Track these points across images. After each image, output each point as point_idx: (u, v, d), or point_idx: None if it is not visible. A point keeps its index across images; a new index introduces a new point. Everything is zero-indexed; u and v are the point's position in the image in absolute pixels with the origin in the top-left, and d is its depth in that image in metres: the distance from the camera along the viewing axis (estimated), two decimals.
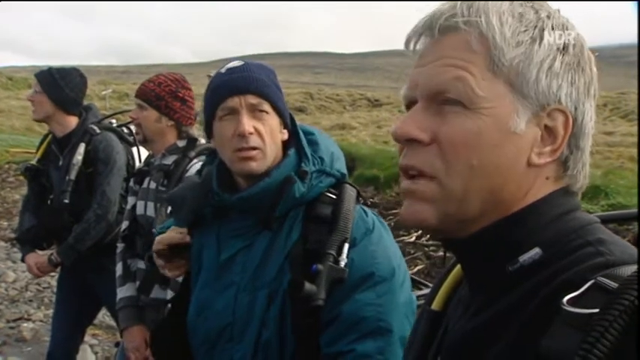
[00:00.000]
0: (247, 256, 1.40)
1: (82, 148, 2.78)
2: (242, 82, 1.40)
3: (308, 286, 1.23)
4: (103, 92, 24.36)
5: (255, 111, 1.40)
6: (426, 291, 1.86)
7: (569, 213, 0.67)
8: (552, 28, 0.66)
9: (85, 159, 2.79)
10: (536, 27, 0.66)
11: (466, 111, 0.65)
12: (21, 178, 10.19)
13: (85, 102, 2.99)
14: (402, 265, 1.40)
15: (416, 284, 1.79)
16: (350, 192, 1.41)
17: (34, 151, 3.17)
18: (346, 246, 1.32)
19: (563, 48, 0.66)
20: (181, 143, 2.34)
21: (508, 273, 0.65)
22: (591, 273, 0.56)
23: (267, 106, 1.41)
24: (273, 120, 1.42)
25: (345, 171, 1.48)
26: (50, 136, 2.97)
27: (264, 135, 1.39)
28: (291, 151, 1.43)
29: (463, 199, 0.65)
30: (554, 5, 0.70)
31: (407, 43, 0.71)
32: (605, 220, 0.78)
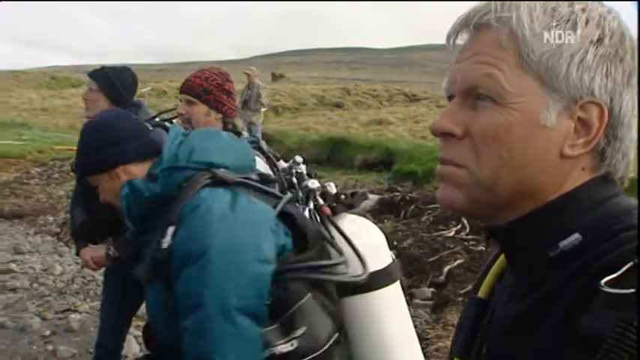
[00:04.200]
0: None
1: None
2: None
3: (137, 270, 1.44)
4: (142, 90, 24.77)
5: None
6: None
7: (609, 199, 0.68)
8: (586, 21, 0.66)
9: None
10: (568, 21, 0.66)
11: (496, 106, 0.67)
12: (66, 174, 10.51)
13: None
14: (234, 239, 1.37)
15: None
16: (199, 178, 1.46)
17: None
18: (170, 228, 1.39)
19: (598, 40, 0.66)
20: None
21: (549, 259, 0.67)
22: (630, 255, 0.57)
23: None
24: None
25: (210, 160, 1.52)
26: None
27: None
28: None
29: (492, 187, 0.68)
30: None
31: (448, 40, 0.74)
32: None
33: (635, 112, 0.68)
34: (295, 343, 1.35)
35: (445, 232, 5.99)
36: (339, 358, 1.45)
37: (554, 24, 0.66)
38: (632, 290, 0.53)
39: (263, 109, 11.98)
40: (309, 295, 1.39)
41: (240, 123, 2.46)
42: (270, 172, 2.21)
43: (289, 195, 1.56)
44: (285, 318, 1.36)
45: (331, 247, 1.53)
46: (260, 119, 11.86)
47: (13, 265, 5.91)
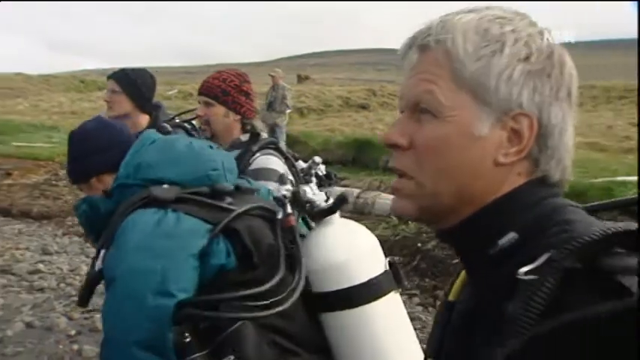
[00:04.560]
0: None
1: None
2: None
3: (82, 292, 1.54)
4: (169, 92, 25.07)
5: None
6: None
7: (545, 199, 0.74)
8: (515, 41, 0.73)
9: None
10: (498, 41, 0.73)
11: (435, 119, 0.74)
12: None
13: None
14: (138, 269, 1.32)
15: None
16: (135, 198, 1.45)
17: None
18: (102, 251, 1.44)
19: (525, 58, 0.72)
20: (244, 137, 2.37)
21: (489, 257, 0.73)
22: (549, 248, 0.63)
23: None
24: None
25: (155, 176, 1.49)
26: None
27: None
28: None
29: (435, 195, 0.75)
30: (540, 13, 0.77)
31: (401, 59, 0.81)
32: (606, 208, 0.83)
33: (566, 125, 0.74)
34: None
35: None
36: None
37: (484, 44, 0.73)
38: (536, 277, 0.61)
39: (288, 111, 12.00)
40: (244, 321, 1.31)
41: (259, 124, 2.46)
42: (289, 173, 2.22)
43: (239, 210, 1.45)
44: (215, 344, 1.29)
45: (288, 261, 1.43)
46: (285, 121, 11.89)
47: (41, 266, 6.00)
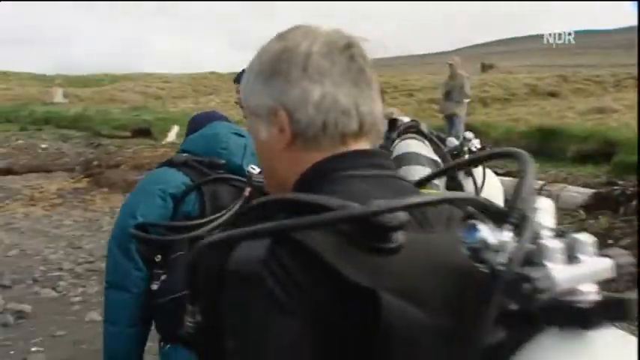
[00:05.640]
0: None
1: None
2: None
3: None
4: None
5: None
6: None
7: (335, 171, 0.87)
8: (256, 60, 0.93)
9: None
10: (250, 69, 0.94)
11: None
12: None
13: None
14: (128, 199, 2.02)
15: None
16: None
17: None
18: None
19: (258, 71, 0.92)
20: (384, 127, 2.36)
21: None
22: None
23: None
24: None
25: (185, 147, 2.18)
26: None
27: None
28: None
29: (268, 186, 0.99)
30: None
31: None
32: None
33: (312, 93, 0.86)
34: (157, 285, 1.85)
35: None
36: None
37: (246, 76, 0.95)
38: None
39: (467, 101, 11.60)
40: (183, 252, 1.81)
41: (395, 111, 2.44)
42: (433, 155, 2.23)
43: (214, 176, 1.98)
44: (159, 264, 1.88)
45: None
46: (464, 111, 11.51)
47: None
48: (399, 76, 25.23)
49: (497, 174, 2.47)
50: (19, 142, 17.06)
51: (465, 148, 2.33)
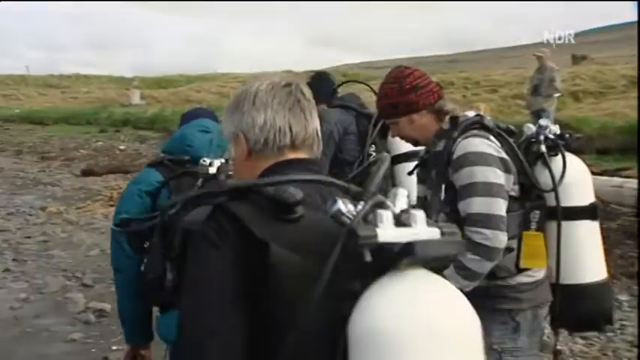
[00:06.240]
0: None
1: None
2: None
3: None
4: None
5: None
6: None
7: (276, 173, 1.20)
8: (228, 103, 1.33)
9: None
10: (225, 109, 1.34)
11: None
12: None
13: None
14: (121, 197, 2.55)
15: None
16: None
17: None
18: None
19: (226, 111, 1.31)
20: (446, 125, 2.25)
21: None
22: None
23: None
24: None
25: (164, 147, 2.58)
26: None
27: None
28: None
29: None
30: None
31: None
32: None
33: (259, 130, 1.24)
34: (143, 267, 2.13)
35: None
36: None
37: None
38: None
39: (556, 95, 10.92)
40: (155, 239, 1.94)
41: (449, 104, 2.26)
42: (500, 151, 2.14)
43: (180, 171, 2.26)
44: (147, 249, 2.19)
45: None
46: (553, 105, 10.84)
47: None
48: (481, 71, 24.07)
49: (594, 173, 2.36)
50: (99, 143, 17.56)
51: (541, 137, 2.23)
